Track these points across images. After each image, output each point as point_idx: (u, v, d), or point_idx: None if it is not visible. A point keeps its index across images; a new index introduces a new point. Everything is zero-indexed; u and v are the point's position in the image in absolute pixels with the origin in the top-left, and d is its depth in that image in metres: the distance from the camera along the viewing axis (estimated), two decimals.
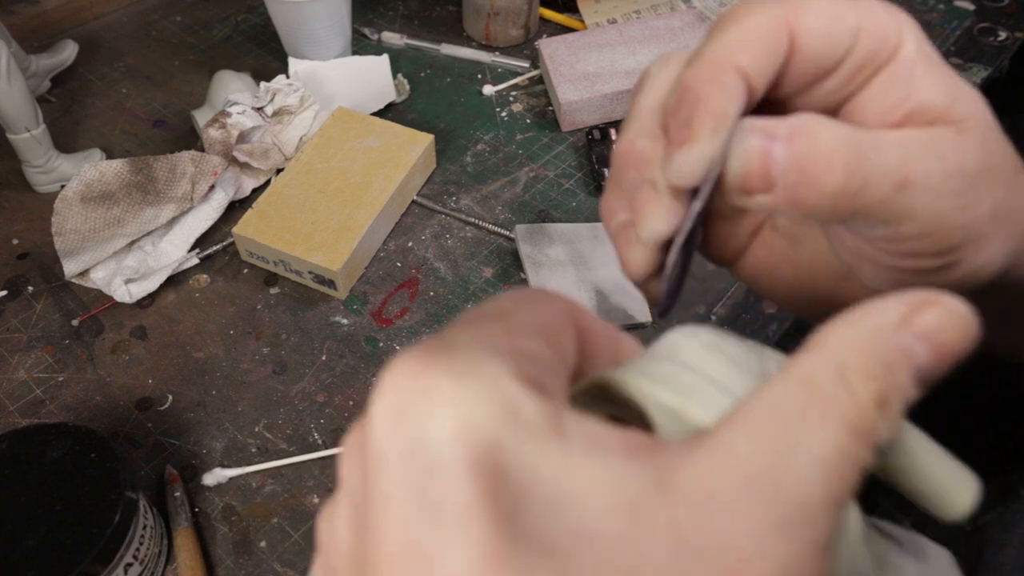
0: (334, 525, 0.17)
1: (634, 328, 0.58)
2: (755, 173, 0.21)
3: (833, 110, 0.24)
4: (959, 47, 0.82)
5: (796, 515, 0.15)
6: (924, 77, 0.22)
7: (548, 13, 0.85)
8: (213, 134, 0.65)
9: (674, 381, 0.18)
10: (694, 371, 0.18)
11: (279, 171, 0.68)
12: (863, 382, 0.16)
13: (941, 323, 0.17)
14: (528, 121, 0.74)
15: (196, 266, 0.63)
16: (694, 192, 0.22)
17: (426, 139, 0.67)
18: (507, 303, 0.19)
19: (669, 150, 0.22)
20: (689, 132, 0.21)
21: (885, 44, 0.22)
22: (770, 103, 0.23)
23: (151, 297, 0.61)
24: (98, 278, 0.60)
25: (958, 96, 0.23)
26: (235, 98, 0.68)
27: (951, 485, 0.18)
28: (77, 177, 0.62)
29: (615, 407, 0.19)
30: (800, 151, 0.21)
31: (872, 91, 0.23)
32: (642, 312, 0.58)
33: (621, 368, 0.19)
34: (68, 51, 0.77)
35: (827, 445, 0.15)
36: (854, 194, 0.21)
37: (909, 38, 0.22)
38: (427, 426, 0.15)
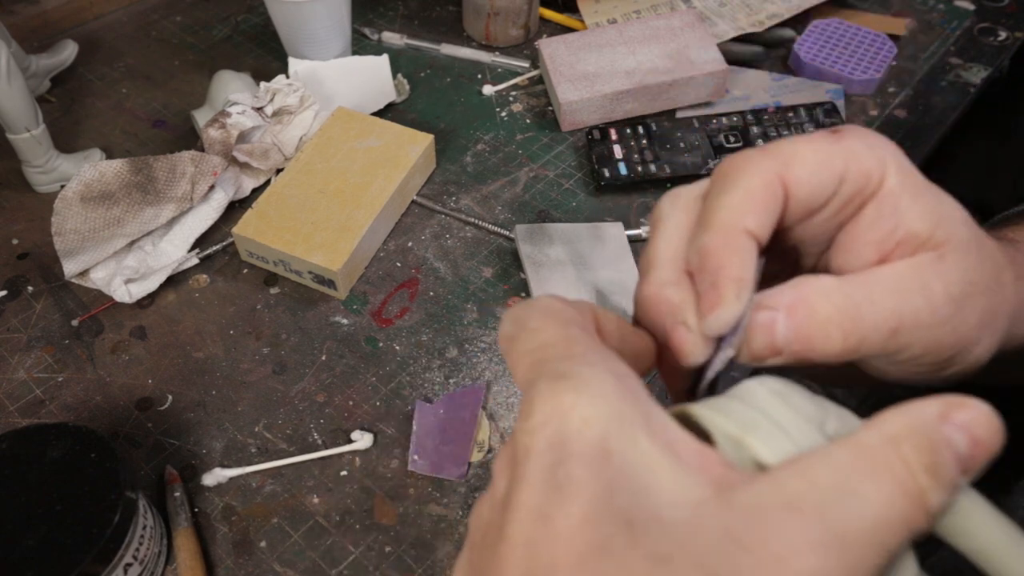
0: (480, 510, 0.23)
1: None
2: (764, 348, 0.25)
3: (831, 234, 0.28)
4: (959, 47, 0.82)
5: (835, 540, 0.18)
6: (910, 207, 0.26)
7: (548, 13, 0.85)
8: (213, 134, 0.65)
9: (737, 415, 0.23)
10: (757, 410, 0.23)
11: (279, 171, 0.68)
12: (913, 451, 0.20)
13: (974, 419, 0.20)
14: (528, 121, 0.74)
15: (196, 266, 0.63)
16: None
17: (426, 139, 0.67)
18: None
19: (703, 310, 0.25)
20: (718, 296, 0.25)
21: (869, 181, 0.26)
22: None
23: (151, 297, 0.61)
24: (98, 278, 0.60)
25: (940, 219, 0.26)
26: (235, 98, 0.68)
27: (1015, 556, 0.21)
28: (77, 177, 0.62)
29: (692, 433, 0.24)
30: (799, 323, 0.25)
31: (864, 219, 0.26)
32: None
33: (700, 403, 0.24)
34: (68, 51, 0.77)
35: (877, 496, 0.19)
36: (853, 350, 0.25)
37: (891, 172, 0.26)
38: (562, 427, 0.21)
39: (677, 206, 0.28)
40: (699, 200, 0.28)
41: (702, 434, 0.23)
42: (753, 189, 0.25)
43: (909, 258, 0.26)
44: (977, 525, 0.21)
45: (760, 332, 0.25)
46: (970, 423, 0.20)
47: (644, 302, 0.28)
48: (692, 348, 0.26)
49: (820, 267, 0.29)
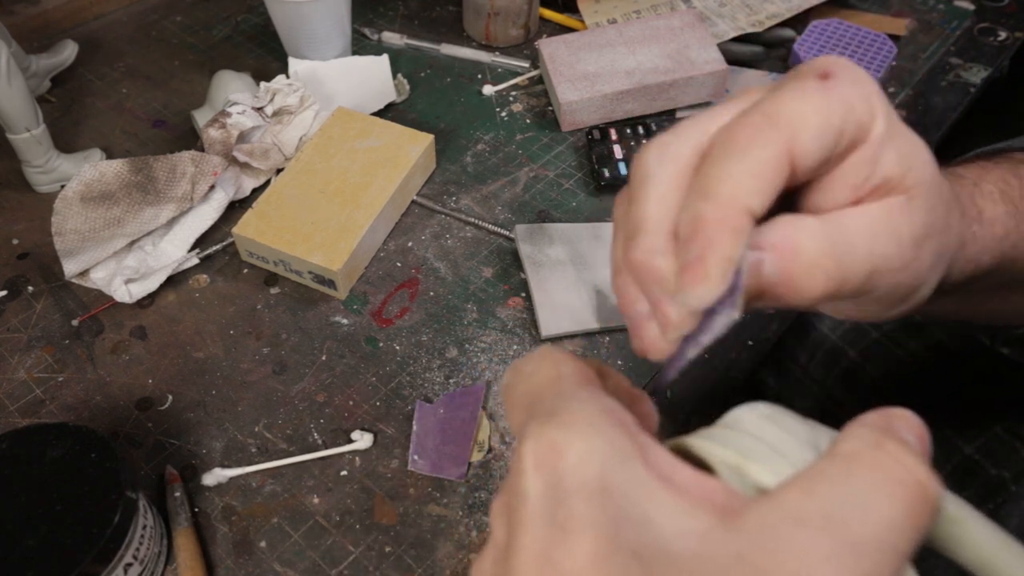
0: (483, 566, 0.22)
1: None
2: (748, 290, 0.24)
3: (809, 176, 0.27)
4: (959, 47, 0.82)
5: (848, 549, 0.18)
6: (887, 153, 0.25)
7: (548, 13, 0.85)
8: (213, 134, 0.65)
9: (734, 443, 0.23)
10: (751, 436, 0.23)
11: (279, 171, 0.68)
12: (897, 447, 0.20)
13: (910, 420, 0.21)
14: (528, 121, 0.74)
15: (196, 266, 0.63)
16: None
17: (426, 139, 0.67)
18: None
19: (684, 281, 0.24)
20: (703, 271, 0.23)
21: (861, 130, 0.25)
22: None
23: (151, 297, 0.61)
24: (98, 278, 0.60)
25: (913, 164, 0.26)
26: (235, 98, 0.68)
27: (1011, 562, 0.21)
28: (77, 177, 0.62)
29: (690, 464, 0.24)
30: (786, 265, 0.24)
31: (847, 164, 0.26)
32: None
33: (694, 435, 0.24)
34: (68, 51, 0.77)
35: (881, 497, 0.19)
36: (832, 293, 0.25)
37: (879, 118, 0.25)
38: (557, 466, 0.20)
39: (666, 161, 0.26)
40: (691, 156, 0.26)
41: (701, 465, 0.23)
42: (762, 164, 0.23)
43: (881, 201, 0.26)
44: (971, 533, 0.21)
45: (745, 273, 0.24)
46: (910, 424, 0.21)
47: (630, 267, 0.26)
48: (678, 321, 0.25)
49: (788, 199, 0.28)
